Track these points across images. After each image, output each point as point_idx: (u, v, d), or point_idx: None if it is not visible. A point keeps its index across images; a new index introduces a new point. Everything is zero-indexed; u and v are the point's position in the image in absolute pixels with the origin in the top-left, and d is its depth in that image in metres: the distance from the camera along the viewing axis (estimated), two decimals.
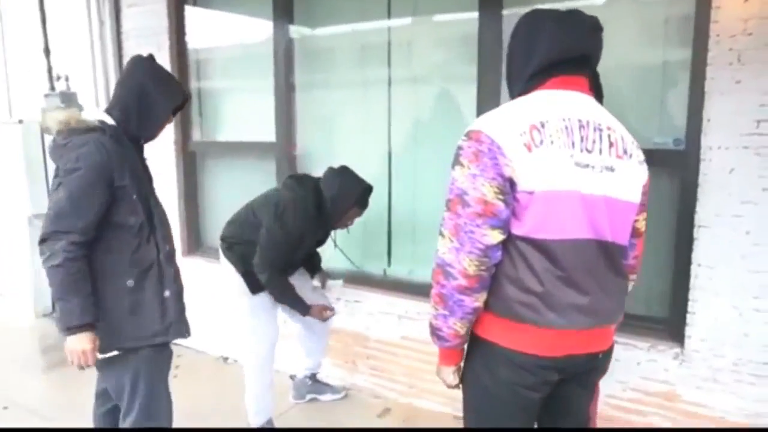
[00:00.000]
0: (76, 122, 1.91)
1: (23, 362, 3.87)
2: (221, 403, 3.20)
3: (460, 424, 1.64)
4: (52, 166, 2.02)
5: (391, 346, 3.25)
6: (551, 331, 1.39)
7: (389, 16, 3.23)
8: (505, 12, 2.76)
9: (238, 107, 3.99)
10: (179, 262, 2.13)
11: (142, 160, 2.07)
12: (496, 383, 1.48)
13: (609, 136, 1.43)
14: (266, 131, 3.61)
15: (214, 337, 3.82)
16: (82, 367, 1.87)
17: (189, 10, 3.94)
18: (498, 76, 2.80)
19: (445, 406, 3.05)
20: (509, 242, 1.38)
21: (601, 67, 1.52)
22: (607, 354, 1.55)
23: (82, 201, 1.81)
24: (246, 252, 2.70)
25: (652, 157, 1.55)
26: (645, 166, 1.52)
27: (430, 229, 3.19)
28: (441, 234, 1.41)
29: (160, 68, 2.04)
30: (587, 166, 1.38)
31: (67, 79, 4.38)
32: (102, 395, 2.19)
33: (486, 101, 2.81)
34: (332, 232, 3.01)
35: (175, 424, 2.18)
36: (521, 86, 1.50)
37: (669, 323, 2.56)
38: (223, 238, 2.84)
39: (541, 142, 1.35)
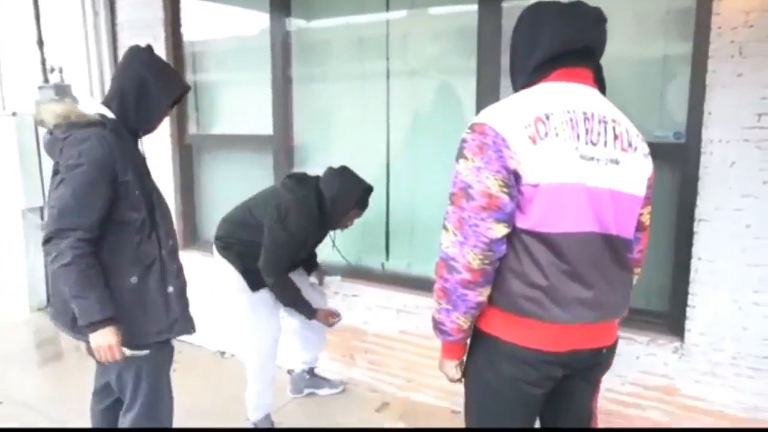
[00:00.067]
0: (76, 116, 1.86)
1: (18, 357, 3.84)
2: (219, 398, 3.19)
3: (458, 419, 1.63)
4: (46, 159, 1.98)
5: (389, 340, 3.24)
6: (555, 326, 1.38)
7: (387, 8, 3.20)
8: (504, 4, 2.74)
9: (235, 100, 3.96)
10: None
11: (141, 154, 2.03)
12: (498, 378, 1.47)
13: (614, 128, 1.41)
14: (263, 124, 3.58)
15: (211, 332, 3.79)
16: (109, 363, 1.84)
17: (185, 2, 3.90)
18: (497, 69, 2.79)
19: (443, 401, 3.05)
20: (514, 236, 1.37)
21: (602, 60, 1.51)
22: (611, 349, 1.54)
23: (86, 198, 1.76)
24: (244, 251, 2.68)
25: (653, 150, 1.54)
26: (650, 159, 1.50)
27: (428, 223, 3.18)
28: (444, 227, 1.40)
29: (159, 59, 2.01)
30: (592, 158, 1.36)
31: (60, 71, 4.34)
32: (101, 392, 2.17)
33: (485, 94, 2.80)
34: (331, 232, 2.99)
35: (175, 420, 2.16)
36: (525, 79, 1.48)
37: (669, 317, 2.56)
38: (218, 237, 2.81)
39: (546, 134, 1.33)
